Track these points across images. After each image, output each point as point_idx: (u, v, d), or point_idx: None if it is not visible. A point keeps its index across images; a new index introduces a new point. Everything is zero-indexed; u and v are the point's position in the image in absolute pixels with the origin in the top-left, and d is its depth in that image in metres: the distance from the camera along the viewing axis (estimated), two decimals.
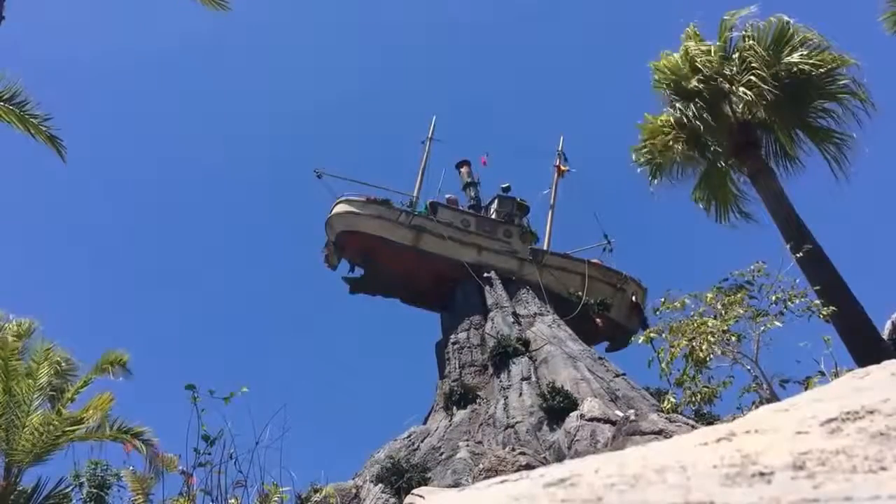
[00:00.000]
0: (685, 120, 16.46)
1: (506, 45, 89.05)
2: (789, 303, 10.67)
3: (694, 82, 15.91)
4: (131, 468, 13.94)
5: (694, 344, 10.68)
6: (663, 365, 11.17)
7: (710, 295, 11.23)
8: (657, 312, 11.79)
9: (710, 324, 10.75)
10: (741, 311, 10.68)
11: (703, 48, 16.25)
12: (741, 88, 15.21)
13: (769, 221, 15.32)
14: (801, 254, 11.98)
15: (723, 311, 10.87)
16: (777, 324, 10.42)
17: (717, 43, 16.37)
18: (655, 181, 17.42)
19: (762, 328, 10.39)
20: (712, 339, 10.52)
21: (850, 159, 15.44)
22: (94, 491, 15.40)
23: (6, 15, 14.14)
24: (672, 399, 11.69)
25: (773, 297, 10.77)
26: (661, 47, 17.21)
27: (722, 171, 17.09)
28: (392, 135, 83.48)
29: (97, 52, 76.17)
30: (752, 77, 15.03)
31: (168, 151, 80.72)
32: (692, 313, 11.17)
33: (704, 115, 16.02)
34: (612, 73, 78.75)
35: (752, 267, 11.23)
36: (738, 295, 10.93)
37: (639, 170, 17.60)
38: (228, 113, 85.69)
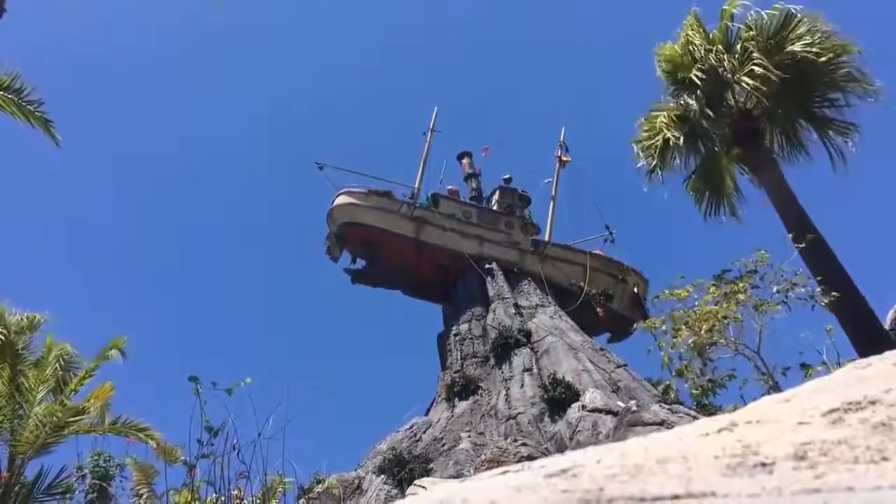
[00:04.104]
0: (686, 111, 16.40)
1: (507, 36, 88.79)
2: (790, 292, 10.67)
3: (695, 72, 15.82)
4: (135, 457, 14.00)
5: (696, 332, 10.68)
6: (665, 357, 11.18)
7: (711, 285, 11.22)
8: (653, 301, 11.78)
9: (710, 311, 10.74)
10: (743, 298, 10.67)
11: (704, 38, 16.15)
12: (744, 79, 15.14)
13: (764, 217, 15.33)
14: (803, 244, 11.97)
15: (724, 302, 10.86)
16: (778, 307, 10.42)
17: (716, 33, 16.27)
18: (656, 173, 17.37)
19: (765, 316, 10.38)
20: (716, 327, 10.51)
21: (854, 148, 15.42)
22: (97, 482, 15.47)
23: (7, 8, 14.10)
24: (674, 387, 11.72)
25: (776, 288, 10.76)
26: (663, 35, 17.14)
27: (722, 164, 17.04)
28: (393, 127, 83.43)
29: (100, 47, 76.04)
30: (754, 67, 14.95)
31: (170, 146, 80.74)
32: (695, 303, 11.17)
33: (705, 107, 15.96)
34: (615, 64, 78.53)
35: (754, 256, 11.21)
36: (741, 284, 10.92)
37: (639, 164, 17.55)
38: (230, 106, 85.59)
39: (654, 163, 17.25)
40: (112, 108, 79.06)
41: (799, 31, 15.24)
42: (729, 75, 15.48)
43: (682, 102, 16.60)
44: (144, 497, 13.91)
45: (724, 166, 17.07)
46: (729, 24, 16.17)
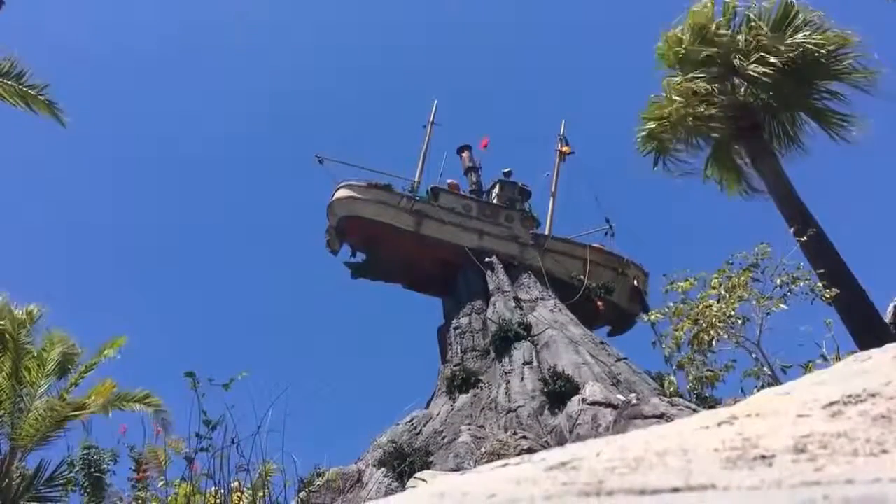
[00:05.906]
0: (689, 99, 16.27)
1: (507, 29, 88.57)
2: (793, 286, 10.67)
3: (702, 56, 15.64)
4: (151, 443, 13.98)
5: (698, 327, 10.69)
6: (665, 350, 11.20)
7: (714, 279, 11.21)
8: (666, 292, 11.74)
9: (714, 307, 10.74)
10: (745, 294, 10.67)
11: (712, 17, 15.98)
12: (751, 65, 15.01)
13: (764, 210, 15.26)
14: (805, 238, 11.95)
15: (727, 295, 10.86)
16: (783, 306, 10.42)
17: (722, 20, 16.14)
18: (659, 164, 17.28)
19: (767, 312, 10.39)
20: (719, 325, 10.51)
21: (854, 141, 15.37)
22: (95, 474, 15.47)
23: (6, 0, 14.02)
24: (673, 380, 11.75)
25: (778, 281, 10.75)
26: (662, 31, 16.98)
27: (729, 151, 16.93)
28: (393, 120, 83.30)
29: (102, 38, 75.90)
30: (763, 54, 14.83)
31: (170, 143, 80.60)
32: (698, 296, 11.17)
33: (712, 95, 15.85)
34: (616, 59, 78.31)
35: (755, 249, 11.20)
36: (742, 278, 10.92)
37: (640, 156, 17.45)
38: (229, 102, 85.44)
39: (655, 154, 17.17)
40: (111, 107, 78.97)
41: (798, 23, 15.17)
42: (738, 60, 15.32)
43: (686, 88, 16.46)
44: (145, 492, 13.89)
45: (732, 153, 16.96)
46: (736, 4, 15.98)
